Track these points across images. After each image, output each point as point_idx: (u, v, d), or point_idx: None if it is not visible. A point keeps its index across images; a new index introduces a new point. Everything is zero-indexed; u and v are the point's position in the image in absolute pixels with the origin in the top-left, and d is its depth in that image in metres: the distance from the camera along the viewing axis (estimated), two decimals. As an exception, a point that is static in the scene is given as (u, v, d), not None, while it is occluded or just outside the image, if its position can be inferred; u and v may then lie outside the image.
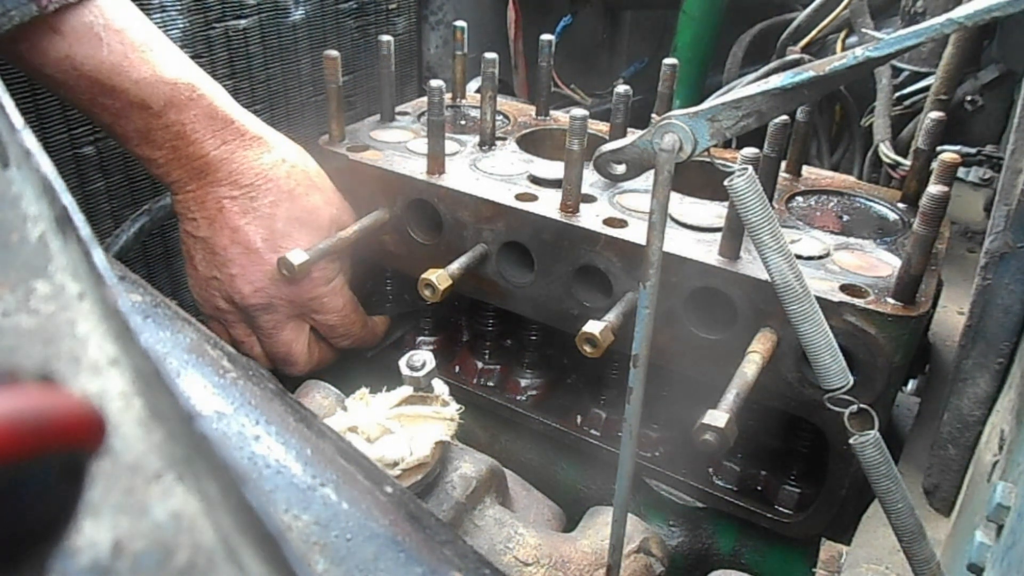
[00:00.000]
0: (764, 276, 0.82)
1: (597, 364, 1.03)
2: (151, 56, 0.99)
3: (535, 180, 1.10)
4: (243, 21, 1.35)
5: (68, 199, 0.32)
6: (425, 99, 1.16)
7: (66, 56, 0.93)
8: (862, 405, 0.70)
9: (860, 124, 1.72)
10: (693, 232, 0.98)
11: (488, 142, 1.20)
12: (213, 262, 1.08)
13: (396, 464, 0.81)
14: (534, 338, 1.20)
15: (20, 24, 0.88)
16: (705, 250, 0.93)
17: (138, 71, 0.97)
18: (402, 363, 0.87)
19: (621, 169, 0.90)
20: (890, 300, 0.86)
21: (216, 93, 1.05)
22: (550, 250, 1.01)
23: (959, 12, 0.70)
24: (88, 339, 0.30)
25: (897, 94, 1.60)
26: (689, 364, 0.97)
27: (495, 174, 1.11)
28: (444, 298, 0.98)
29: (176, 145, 1.03)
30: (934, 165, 0.91)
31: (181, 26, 1.26)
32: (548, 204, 1.02)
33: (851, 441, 0.69)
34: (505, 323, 1.22)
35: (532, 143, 1.25)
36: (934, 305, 0.99)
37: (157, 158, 1.04)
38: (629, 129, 1.18)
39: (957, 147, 1.49)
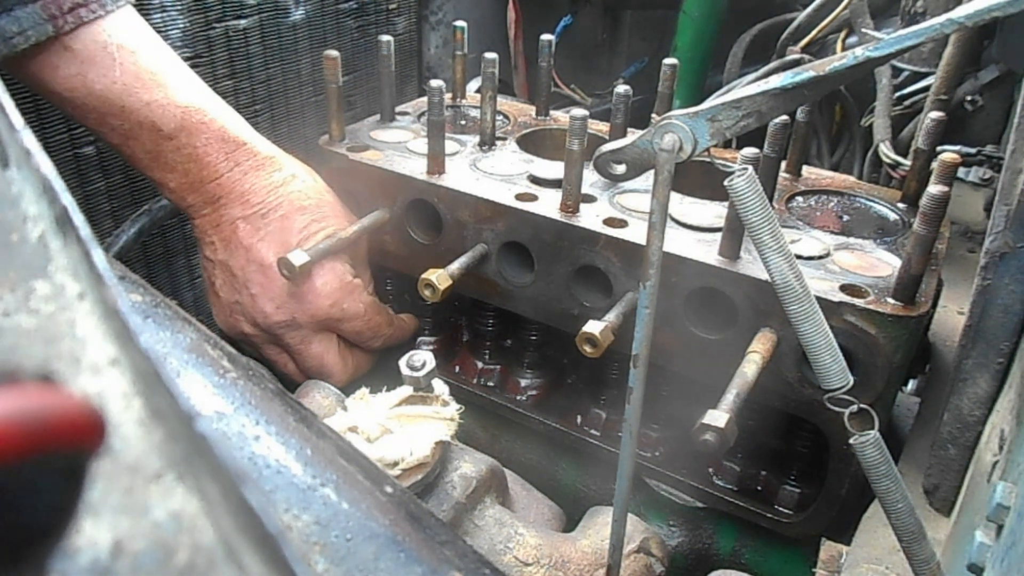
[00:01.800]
0: (764, 276, 0.82)
1: (597, 364, 1.03)
2: (163, 79, 0.99)
3: (535, 180, 1.10)
4: (243, 21, 1.35)
5: (68, 199, 0.32)
6: (425, 99, 1.16)
7: (77, 75, 0.93)
8: (862, 405, 0.70)
9: (860, 124, 1.72)
10: (693, 232, 0.98)
11: (488, 142, 1.20)
12: (233, 285, 1.08)
13: (396, 464, 0.81)
14: (534, 338, 1.20)
15: (35, 43, 0.88)
16: (705, 250, 0.93)
17: (150, 93, 0.97)
18: (402, 363, 0.87)
19: (621, 169, 0.90)
20: (890, 300, 0.86)
21: (227, 116, 1.05)
22: (550, 250, 1.01)
23: (959, 12, 0.70)
24: (88, 339, 0.30)
25: (897, 94, 1.60)
26: (689, 364, 0.97)
27: (495, 174, 1.11)
28: (444, 298, 0.98)
29: (188, 169, 1.03)
30: (934, 165, 0.91)
31: (181, 26, 1.26)
32: (548, 204, 1.02)
33: (851, 441, 0.69)
34: (505, 323, 1.22)
35: (532, 143, 1.25)
36: (934, 305, 0.99)
37: (169, 182, 1.04)
38: (629, 129, 1.18)
39: (957, 147, 1.49)
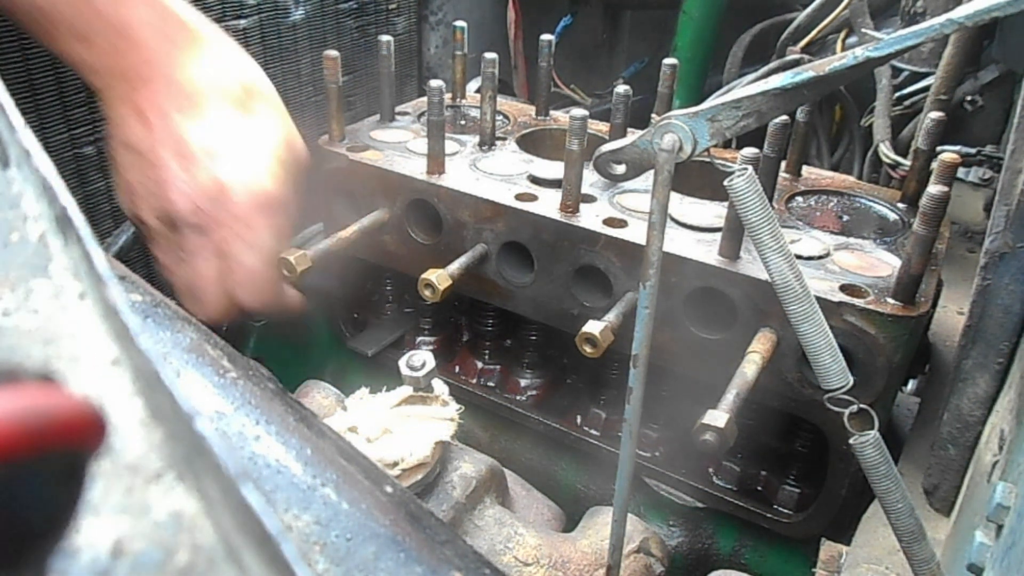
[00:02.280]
0: (764, 276, 0.82)
1: (597, 364, 1.03)
2: None
3: (535, 180, 1.10)
4: (243, 21, 1.35)
5: (68, 199, 0.32)
6: (425, 99, 1.16)
7: None
8: (862, 405, 0.70)
9: (860, 124, 1.72)
10: (693, 232, 0.98)
11: (488, 142, 1.20)
12: (144, 167, 0.97)
13: (396, 464, 0.81)
14: (534, 338, 1.20)
15: None
16: (705, 250, 0.93)
17: None
18: (402, 363, 0.87)
19: (621, 169, 0.90)
20: (890, 300, 0.86)
21: None
22: (550, 250, 1.01)
23: (959, 12, 0.70)
24: (88, 339, 0.30)
25: (897, 94, 1.60)
26: (689, 364, 0.97)
27: (495, 174, 1.11)
28: (444, 298, 0.98)
29: (117, 46, 0.93)
30: (934, 165, 0.91)
31: (181, 26, 1.26)
32: (548, 204, 1.02)
33: (851, 441, 0.69)
34: (505, 323, 1.22)
35: (532, 143, 1.25)
36: (934, 305, 0.99)
37: (93, 62, 0.93)
38: (629, 129, 1.18)
39: (957, 147, 1.49)
